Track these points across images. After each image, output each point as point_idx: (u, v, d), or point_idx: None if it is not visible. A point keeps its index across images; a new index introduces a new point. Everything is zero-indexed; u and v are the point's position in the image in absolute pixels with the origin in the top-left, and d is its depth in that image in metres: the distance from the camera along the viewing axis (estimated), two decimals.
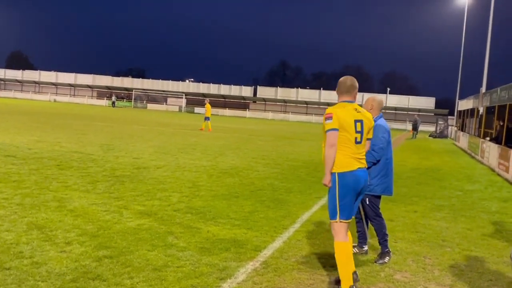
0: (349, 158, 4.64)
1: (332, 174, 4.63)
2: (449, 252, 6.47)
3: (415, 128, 42.44)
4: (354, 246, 6.22)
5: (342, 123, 4.60)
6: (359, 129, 4.71)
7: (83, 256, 5.16)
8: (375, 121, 5.93)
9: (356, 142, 4.69)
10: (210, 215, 7.46)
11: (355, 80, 4.92)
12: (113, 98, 79.26)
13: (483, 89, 31.01)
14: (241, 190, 9.88)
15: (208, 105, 31.08)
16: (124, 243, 5.70)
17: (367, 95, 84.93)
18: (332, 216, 4.68)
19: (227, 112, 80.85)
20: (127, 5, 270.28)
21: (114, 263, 5.02)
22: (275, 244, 6.20)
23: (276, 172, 12.95)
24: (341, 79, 4.91)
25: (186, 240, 6.01)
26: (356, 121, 4.69)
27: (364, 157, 4.84)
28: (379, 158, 5.84)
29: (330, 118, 4.60)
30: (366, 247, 6.16)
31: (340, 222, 4.66)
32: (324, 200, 9.02)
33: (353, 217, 4.85)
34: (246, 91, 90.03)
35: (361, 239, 6.22)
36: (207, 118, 30.44)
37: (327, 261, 5.11)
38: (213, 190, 9.63)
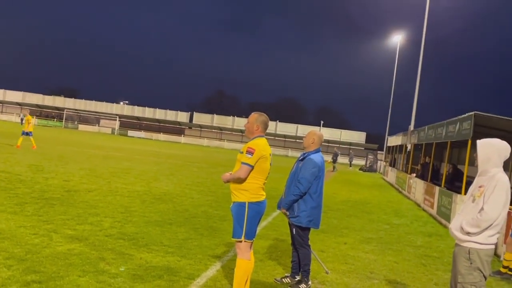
0: (260, 189, 5.06)
1: (243, 202, 4.98)
2: (377, 284, 6.69)
3: (334, 161, 43.49)
4: (286, 276, 6.33)
5: (263, 155, 4.98)
6: (270, 161, 5.15)
7: (10, 280, 4.97)
8: (309, 155, 6.16)
9: (268, 173, 5.14)
10: (143, 241, 7.37)
11: None
12: (21, 115, 74.91)
13: (412, 127, 32.40)
14: (175, 217, 9.81)
15: (29, 117, 25.84)
16: (54, 268, 5.54)
17: (301, 127, 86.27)
18: (237, 235, 5.00)
19: (162, 136, 79.93)
20: (60, 22, 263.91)
21: None
22: (209, 272, 6.21)
23: (211, 200, 12.95)
24: (263, 118, 5.26)
25: (118, 267, 5.91)
26: (270, 154, 5.15)
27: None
28: (304, 191, 6.00)
29: (251, 153, 4.92)
30: (298, 277, 6.26)
31: (245, 241, 5.00)
32: (259, 229, 9.08)
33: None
34: (182, 116, 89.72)
35: (295, 269, 6.33)
36: (29, 133, 24.93)
37: None
38: (146, 216, 9.52)
